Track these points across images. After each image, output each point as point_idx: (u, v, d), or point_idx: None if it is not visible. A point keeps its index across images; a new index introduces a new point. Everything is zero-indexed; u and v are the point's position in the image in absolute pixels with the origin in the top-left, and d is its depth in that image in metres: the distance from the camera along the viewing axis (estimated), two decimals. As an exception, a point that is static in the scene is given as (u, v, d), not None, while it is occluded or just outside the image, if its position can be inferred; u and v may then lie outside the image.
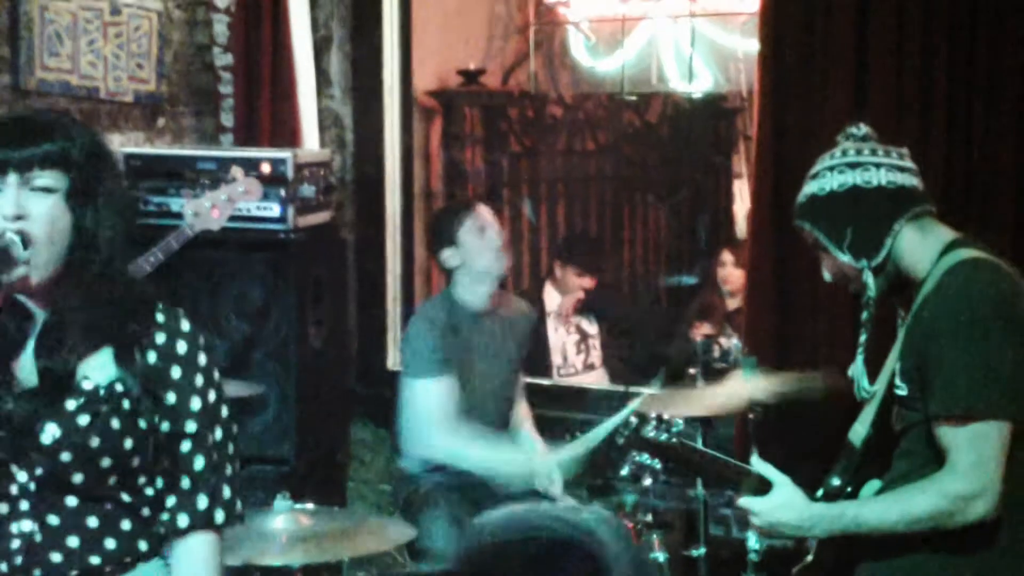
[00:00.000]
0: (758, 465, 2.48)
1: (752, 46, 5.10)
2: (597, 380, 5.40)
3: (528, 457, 3.64)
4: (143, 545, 1.93)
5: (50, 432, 1.82)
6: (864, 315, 2.45)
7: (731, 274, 5.44)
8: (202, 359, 1.94)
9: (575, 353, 5.51)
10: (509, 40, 6.69)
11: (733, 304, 5.38)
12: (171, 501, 1.91)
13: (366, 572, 3.33)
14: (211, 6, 4.75)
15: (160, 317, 1.92)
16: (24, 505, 1.85)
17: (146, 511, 1.92)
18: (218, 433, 1.94)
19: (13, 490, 1.85)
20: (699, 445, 2.57)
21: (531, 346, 4.04)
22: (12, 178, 1.81)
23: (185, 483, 1.90)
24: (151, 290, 1.96)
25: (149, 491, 1.92)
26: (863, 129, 2.52)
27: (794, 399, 3.33)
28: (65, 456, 1.83)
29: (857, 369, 2.51)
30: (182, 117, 4.77)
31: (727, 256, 5.51)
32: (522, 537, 1.04)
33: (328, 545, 2.97)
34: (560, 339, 5.44)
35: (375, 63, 4.85)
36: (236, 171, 3.84)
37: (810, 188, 2.50)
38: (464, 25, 6.31)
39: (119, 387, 1.85)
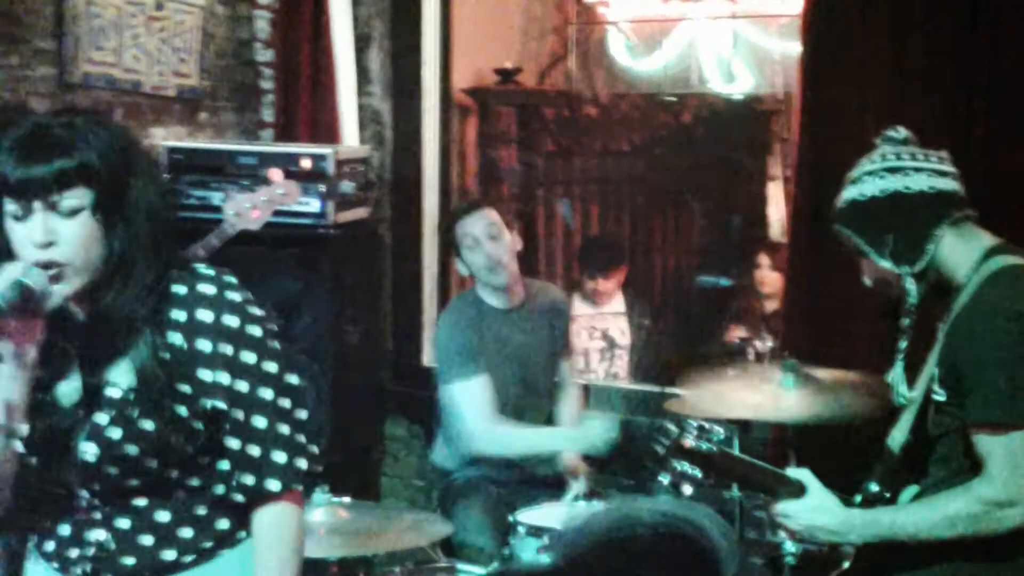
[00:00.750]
0: (794, 471, 2.49)
1: (790, 48, 5.11)
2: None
3: (576, 429, 3.67)
4: (223, 524, 1.92)
5: (89, 450, 1.81)
6: (905, 321, 2.43)
7: (767, 277, 5.43)
8: (231, 321, 1.86)
9: (598, 360, 5.47)
10: (545, 39, 6.70)
11: (769, 307, 5.37)
12: (249, 470, 1.86)
13: (401, 567, 3.33)
14: (253, 2, 4.79)
15: (178, 289, 1.85)
16: (96, 515, 1.85)
17: (220, 488, 1.90)
18: (268, 391, 1.87)
19: (81, 503, 1.85)
20: (737, 452, 2.57)
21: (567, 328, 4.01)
22: (37, 204, 1.75)
23: (255, 450, 1.86)
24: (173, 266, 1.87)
25: (222, 465, 1.89)
26: (902, 132, 2.50)
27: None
28: (111, 470, 1.82)
29: (896, 375, 2.49)
30: (223, 112, 4.80)
31: (763, 259, 5.50)
32: (628, 529, 1.04)
33: (366, 539, 2.99)
34: (582, 344, 5.41)
35: (415, 61, 4.86)
36: (276, 174, 3.83)
37: (850, 193, 2.48)
38: (501, 24, 6.32)
39: (144, 386, 1.81)
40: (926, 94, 3.66)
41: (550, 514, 3.37)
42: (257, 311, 1.90)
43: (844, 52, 3.83)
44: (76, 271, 1.76)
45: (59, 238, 1.75)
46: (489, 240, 3.66)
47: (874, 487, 2.50)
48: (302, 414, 1.92)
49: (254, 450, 1.87)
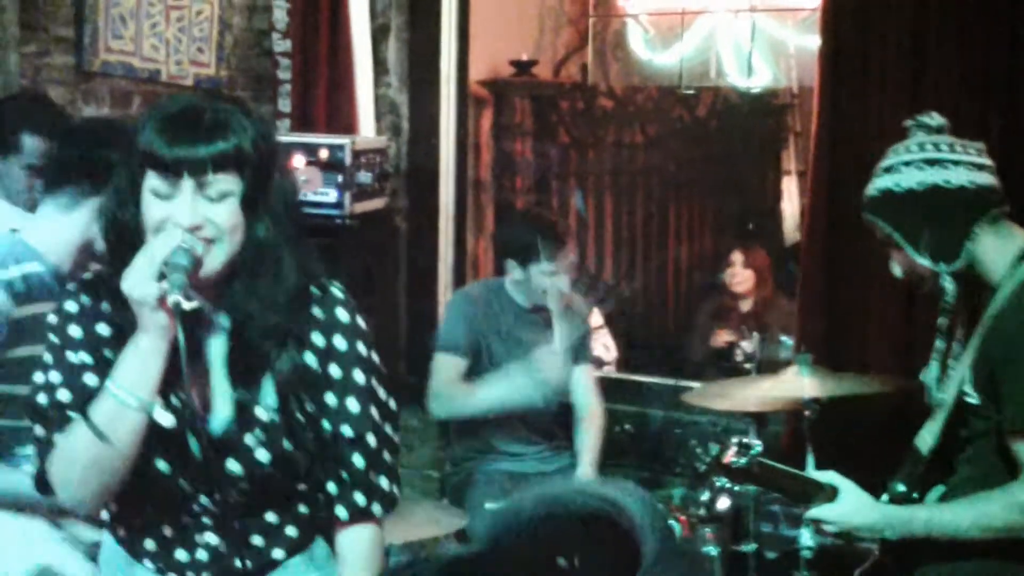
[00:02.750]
0: (824, 474, 2.47)
1: (805, 41, 5.10)
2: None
3: (533, 372, 3.65)
4: (318, 520, 1.92)
5: (231, 467, 1.80)
6: (941, 320, 2.38)
7: (739, 275, 5.27)
8: (360, 349, 1.86)
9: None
10: (561, 31, 6.69)
11: (746, 306, 5.27)
12: (332, 489, 1.87)
13: (411, 556, 3.34)
14: (271, -8, 4.79)
15: (318, 312, 1.83)
16: (208, 520, 1.84)
17: (319, 495, 1.90)
18: (377, 427, 1.88)
19: (196, 508, 1.83)
20: (777, 464, 2.55)
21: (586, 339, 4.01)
22: (187, 183, 1.69)
23: (344, 476, 1.86)
24: (312, 278, 1.83)
25: (331, 485, 1.88)
26: (937, 119, 2.42)
27: (850, 399, 3.31)
28: (244, 486, 1.82)
29: (932, 376, 2.43)
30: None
31: (737, 256, 5.32)
32: (548, 513, 1.06)
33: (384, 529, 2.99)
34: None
35: (432, 52, 4.87)
36: (297, 161, 3.86)
37: (884, 182, 2.39)
38: (517, 15, 6.31)
39: (284, 406, 1.80)
40: (946, 87, 3.65)
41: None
42: (367, 330, 1.91)
43: (863, 46, 3.83)
44: (216, 256, 1.72)
45: (207, 221, 1.69)
46: (565, 272, 3.77)
47: (901, 487, 2.48)
48: (396, 452, 1.94)
49: (367, 473, 1.87)
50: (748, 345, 4.59)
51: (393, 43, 4.87)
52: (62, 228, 2.38)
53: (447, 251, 4.92)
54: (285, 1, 4.78)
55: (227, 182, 1.70)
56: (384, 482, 1.90)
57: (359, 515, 1.89)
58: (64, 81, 4.12)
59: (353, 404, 1.85)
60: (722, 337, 5.11)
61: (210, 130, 1.70)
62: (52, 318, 1.83)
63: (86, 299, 1.81)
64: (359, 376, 1.86)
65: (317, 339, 1.82)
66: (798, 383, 3.37)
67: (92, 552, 2.34)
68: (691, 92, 6.37)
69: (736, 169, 6.85)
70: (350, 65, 4.74)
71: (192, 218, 1.69)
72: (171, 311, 1.67)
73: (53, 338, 1.82)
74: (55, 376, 1.80)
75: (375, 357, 1.90)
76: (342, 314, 1.85)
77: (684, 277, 6.99)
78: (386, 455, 1.90)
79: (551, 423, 3.87)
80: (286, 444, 1.81)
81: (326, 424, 1.84)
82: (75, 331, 1.80)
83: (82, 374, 1.78)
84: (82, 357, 1.78)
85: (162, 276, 1.65)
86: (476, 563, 1.17)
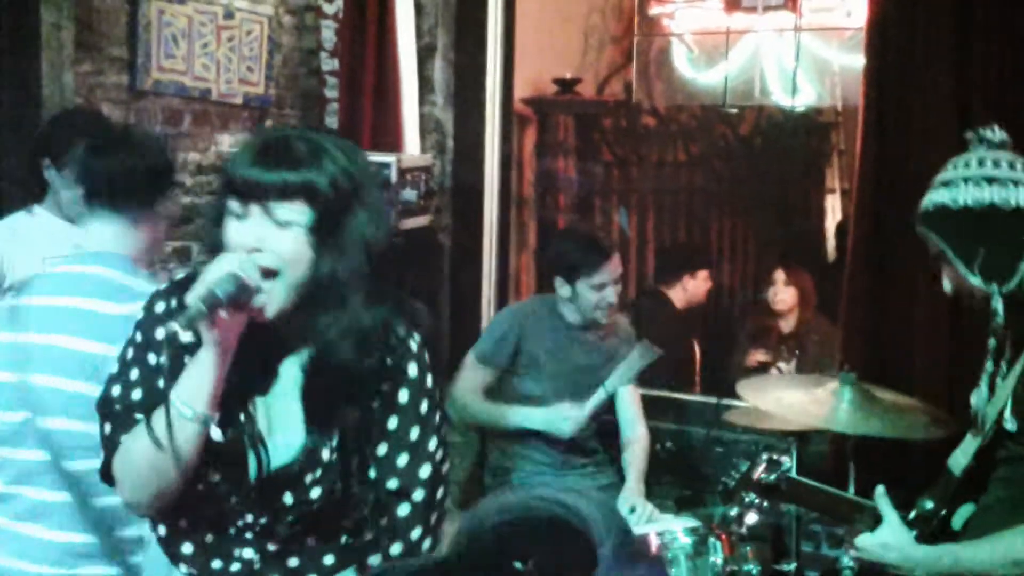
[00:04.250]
0: (878, 497, 2.44)
1: (849, 61, 5.09)
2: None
3: (541, 410, 3.75)
4: (356, 553, 1.93)
5: (284, 498, 1.83)
6: (991, 343, 2.33)
7: (780, 293, 5.22)
8: (423, 407, 1.87)
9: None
10: (605, 50, 6.73)
11: (787, 326, 5.22)
12: (370, 536, 1.89)
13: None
14: (320, 12, 4.85)
15: (389, 360, 1.84)
16: (249, 535, 1.87)
17: (361, 533, 1.92)
18: (423, 485, 1.89)
19: (240, 523, 1.86)
20: (811, 481, 2.54)
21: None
22: (255, 208, 1.75)
23: (384, 525, 1.88)
24: (388, 324, 1.84)
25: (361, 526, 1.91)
26: (999, 134, 2.38)
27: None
28: (292, 517, 1.85)
29: (981, 398, 2.38)
30: (288, 120, 4.87)
31: (779, 274, 5.27)
32: (508, 519, 1.08)
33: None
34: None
35: (477, 71, 4.91)
36: None
37: (940, 196, 2.35)
38: (561, 34, 6.36)
39: (346, 452, 1.83)
40: (991, 105, 3.64)
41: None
42: (434, 388, 1.92)
43: (908, 64, 3.82)
44: (277, 287, 1.75)
45: (266, 246, 1.74)
46: (613, 285, 3.77)
47: (929, 504, 2.47)
48: (446, 491, 1.96)
49: (407, 526, 1.89)
50: (785, 366, 4.57)
51: (439, 62, 4.91)
52: (139, 239, 2.45)
53: (490, 268, 4.95)
54: (333, 21, 4.84)
55: (292, 212, 1.74)
56: (423, 541, 1.91)
57: (411, 549, 1.91)
58: (117, 100, 4.20)
59: (403, 460, 1.88)
60: (758, 357, 5.07)
61: (286, 160, 1.75)
62: (140, 315, 1.89)
63: (175, 302, 1.86)
64: (415, 433, 1.88)
65: (383, 386, 1.85)
66: (838, 403, 3.35)
67: None
68: (735, 111, 6.38)
69: (779, 187, 6.85)
70: (396, 84, 4.79)
71: (253, 241, 1.74)
72: (229, 328, 1.72)
73: (138, 336, 1.87)
74: (133, 373, 1.85)
75: (437, 416, 1.91)
76: (412, 368, 1.87)
77: (726, 295, 6.99)
78: (430, 515, 1.92)
79: (590, 439, 3.89)
80: (339, 485, 1.84)
81: (373, 472, 1.87)
82: (159, 333, 1.84)
83: (158, 377, 1.82)
84: (161, 359, 1.81)
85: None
86: (440, 571, 1.21)
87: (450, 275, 4.91)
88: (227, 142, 4.59)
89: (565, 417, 3.72)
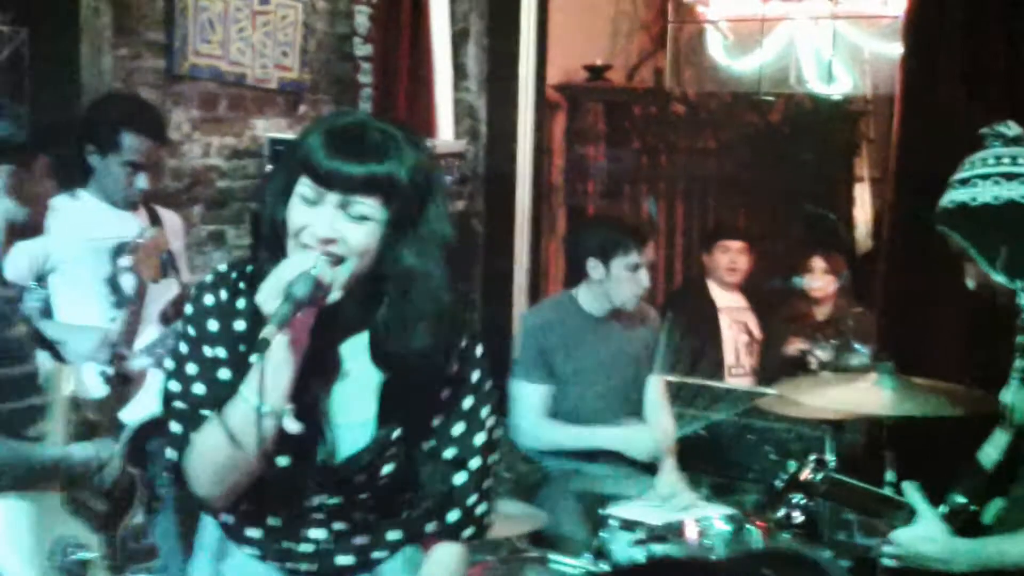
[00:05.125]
0: (909, 494, 2.44)
1: (882, 48, 5.08)
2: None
3: (618, 430, 3.72)
4: (416, 524, 1.97)
5: (355, 476, 1.86)
6: (1020, 339, 2.31)
7: (819, 280, 5.21)
8: (475, 376, 1.91)
9: (745, 355, 5.40)
10: (635, 36, 6.71)
11: (823, 313, 5.22)
12: (428, 504, 1.93)
13: (493, 556, 3.38)
14: (353, -3, 4.87)
15: (463, 343, 1.89)
16: (317, 515, 1.89)
17: (422, 505, 1.96)
18: (479, 454, 1.93)
19: (308, 505, 1.88)
20: (854, 481, 2.55)
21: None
22: (332, 197, 1.73)
23: (442, 494, 1.92)
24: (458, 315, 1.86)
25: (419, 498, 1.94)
26: (1014, 128, 2.36)
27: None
28: (363, 495, 1.88)
29: (1011, 395, 2.37)
30: (322, 105, 4.88)
31: (817, 262, 5.26)
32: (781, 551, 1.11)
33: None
34: (733, 337, 5.35)
35: (511, 57, 4.91)
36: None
37: (959, 195, 2.35)
38: (592, 20, 6.35)
39: (411, 430, 1.86)
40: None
41: (643, 509, 3.40)
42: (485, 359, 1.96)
43: (947, 53, 3.81)
44: (343, 275, 1.75)
45: (341, 238, 1.73)
46: (646, 269, 3.77)
47: (960, 499, 2.45)
48: (494, 478, 1.99)
49: (464, 495, 1.93)
50: (823, 353, 4.56)
51: (472, 48, 4.92)
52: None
53: (523, 254, 4.96)
54: (367, 6, 4.85)
55: (370, 206, 1.73)
56: (478, 507, 1.95)
57: (448, 533, 1.95)
58: (154, 84, 4.21)
59: (459, 429, 1.91)
60: (796, 344, 5.07)
61: (368, 151, 1.73)
62: (188, 309, 1.86)
63: (224, 294, 1.84)
64: (468, 403, 1.92)
65: (437, 360, 1.86)
66: (877, 392, 3.35)
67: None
68: (767, 99, 6.35)
69: (808, 175, 6.82)
70: (430, 70, 4.80)
71: (328, 231, 1.73)
72: (302, 325, 1.72)
73: (190, 330, 1.85)
74: (191, 368, 1.83)
75: (488, 385, 1.94)
76: (462, 340, 1.89)
77: (755, 283, 6.96)
78: (484, 482, 1.95)
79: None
80: (405, 461, 1.87)
81: (431, 443, 1.90)
82: (212, 325, 1.83)
83: (217, 369, 1.82)
84: (218, 352, 1.81)
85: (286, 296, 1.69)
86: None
87: (482, 261, 4.92)
88: (261, 127, 4.60)
89: (646, 443, 3.69)
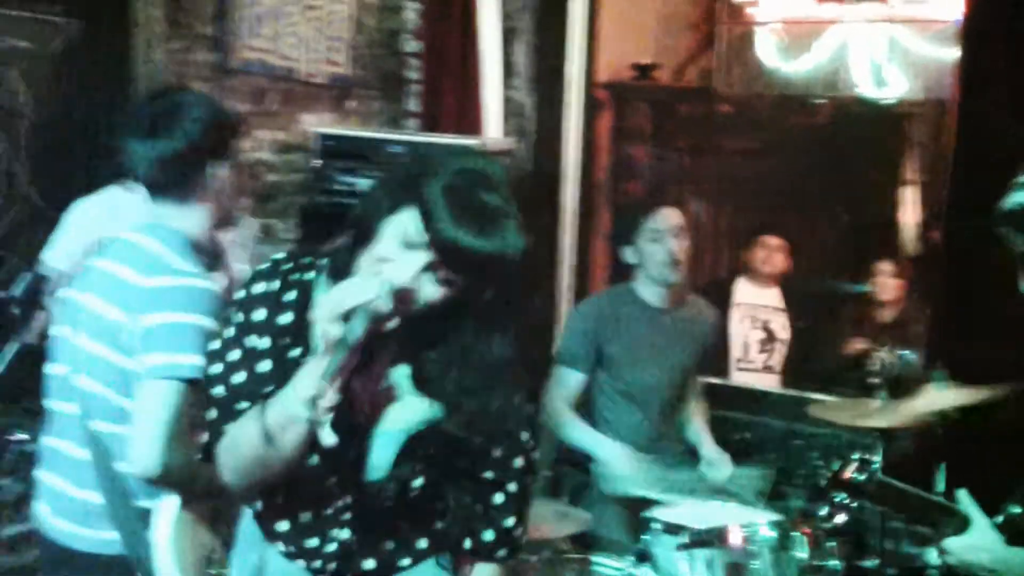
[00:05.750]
0: (961, 502, 2.43)
1: (934, 52, 5.03)
2: (770, 384, 5.30)
3: (614, 446, 3.67)
4: (449, 538, 1.97)
5: (386, 484, 1.85)
6: None
7: (888, 285, 5.24)
8: (516, 399, 1.89)
9: (757, 351, 5.43)
10: (683, 36, 6.68)
11: (888, 316, 5.21)
12: (463, 523, 1.94)
13: (536, 557, 3.37)
14: (403, -7, 4.87)
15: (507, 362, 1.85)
16: (346, 516, 1.88)
17: (448, 525, 1.96)
18: (517, 476, 1.94)
19: (338, 504, 1.88)
20: (900, 483, 2.52)
21: (711, 347, 4.00)
22: (427, 257, 1.68)
23: (478, 513, 1.93)
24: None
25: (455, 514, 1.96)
26: None
27: (981, 418, 3.24)
28: (390, 502, 1.87)
29: None
30: (370, 100, 4.88)
31: (885, 266, 5.30)
32: None
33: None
34: (743, 332, 5.37)
35: (559, 55, 4.90)
36: None
37: (1020, 197, 2.34)
38: (640, 19, 6.32)
39: (451, 446, 1.85)
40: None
41: (687, 512, 3.38)
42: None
43: (1004, 57, 3.76)
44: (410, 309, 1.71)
45: (418, 293, 1.70)
46: (674, 238, 3.73)
47: (1016, 509, 2.42)
48: (530, 500, 2.00)
49: (500, 514, 1.94)
50: (885, 356, 4.51)
51: (521, 46, 4.91)
52: (194, 215, 2.43)
53: (569, 252, 4.94)
54: (417, 3, 4.85)
55: (459, 279, 1.70)
56: (514, 528, 1.95)
57: (483, 552, 1.96)
58: (205, 77, 4.24)
59: (498, 452, 1.91)
60: (857, 345, 5.05)
61: (487, 224, 1.66)
62: (240, 294, 1.86)
63: (275, 284, 1.83)
64: (525, 434, 1.93)
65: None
66: (930, 400, 3.31)
67: None
68: (814, 101, 6.31)
69: (855, 178, 6.76)
70: (478, 67, 4.79)
71: (410, 283, 1.69)
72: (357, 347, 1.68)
73: (238, 316, 1.83)
74: (234, 354, 1.83)
75: (528, 409, 1.95)
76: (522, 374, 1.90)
77: (801, 287, 6.90)
78: (522, 504, 1.95)
79: (665, 431, 3.87)
80: (438, 475, 1.88)
81: (466, 463, 1.90)
82: (259, 314, 1.82)
83: (259, 360, 1.81)
84: (262, 342, 1.81)
85: (345, 318, 1.66)
86: None
87: (528, 259, 4.90)
88: (310, 121, 4.61)
89: (621, 468, 3.62)
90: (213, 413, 1.84)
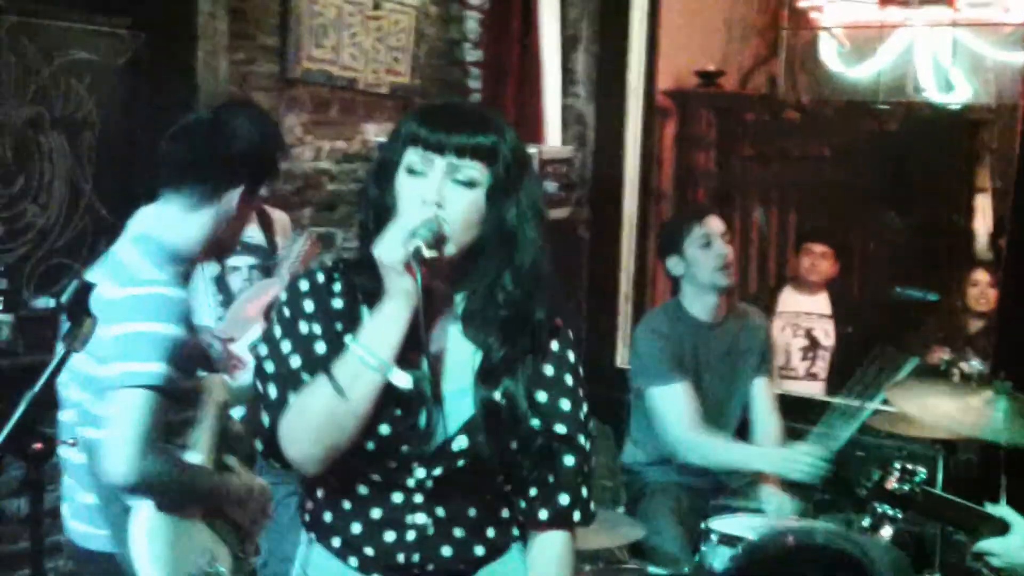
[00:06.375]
0: (997, 508, 2.41)
1: (1006, 57, 4.92)
2: (815, 392, 5.25)
3: (782, 451, 3.62)
4: (516, 531, 1.97)
5: (457, 443, 1.85)
6: None
7: (985, 294, 5.23)
8: (570, 355, 1.95)
9: (799, 358, 5.40)
10: (748, 42, 6.63)
11: (976, 326, 5.17)
12: (534, 492, 1.92)
13: (591, 566, 3.36)
14: (464, 3, 4.88)
15: (558, 320, 1.94)
16: (418, 498, 1.88)
17: (521, 501, 1.95)
18: (585, 432, 1.94)
19: (410, 483, 1.87)
20: (939, 490, 2.49)
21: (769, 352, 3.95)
22: (440, 163, 1.79)
23: (550, 479, 1.91)
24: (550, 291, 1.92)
25: (526, 485, 1.94)
26: None
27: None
28: (462, 462, 1.86)
29: None
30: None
31: (981, 275, 5.30)
32: (797, 544, 1.08)
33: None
34: (785, 339, 5.34)
35: (620, 63, 4.89)
36: None
37: None
38: (704, 26, 6.28)
39: (516, 399, 1.87)
40: None
41: (744, 523, 3.34)
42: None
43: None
44: (455, 242, 1.80)
45: (447, 203, 1.78)
46: (719, 239, 3.73)
47: None
48: (594, 466, 1.99)
49: (575, 475, 1.93)
50: (967, 366, 4.43)
51: (582, 54, 4.91)
52: (190, 227, 2.45)
53: (628, 262, 4.93)
54: (477, 12, 4.87)
55: (476, 170, 1.80)
56: (586, 492, 1.95)
57: (559, 519, 1.93)
58: (268, 88, 4.29)
59: (566, 404, 1.92)
60: (939, 354, 4.97)
61: (471, 123, 1.82)
62: (284, 295, 1.90)
63: (320, 277, 1.89)
64: (570, 379, 1.94)
65: (554, 346, 1.92)
66: (991, 411, 3.24)
67: None
68: (886, 107, 6.22)
69: (927, 185, 6.65)
70: (539, 75, 4.80)
71: (435, 195, 1.78)
72: (414, 272, 1.74)
73: (284, 311, 1.87)
74: (286, 345, 1.85)
75: (580, 370, 1.97)
76: (556, 319, 1.95)
77: (870, 294, 6.81)
78: (588, 465, 1.94)
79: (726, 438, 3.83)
80: (507, 432, 1.87)
81: (536, 421, 1.89)
82: (307, 304, 1.86)
83: (313, 343, 1.84)
84: (313, 328, 1.84)
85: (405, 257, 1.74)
86: None
87: (588, 269, 4.90)
88: (372, 131, 4.65)
89: (801, 460, 3.52)
90: (273, 391, 1.84)
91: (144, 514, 2.32)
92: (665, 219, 4.93)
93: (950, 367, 4.64)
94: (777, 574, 1.11)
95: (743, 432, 3.85)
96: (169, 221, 2.43)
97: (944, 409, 3.39)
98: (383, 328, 1.77)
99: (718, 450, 3.63)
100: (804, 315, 5.38)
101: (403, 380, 1.77)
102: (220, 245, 2.54)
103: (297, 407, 1.81)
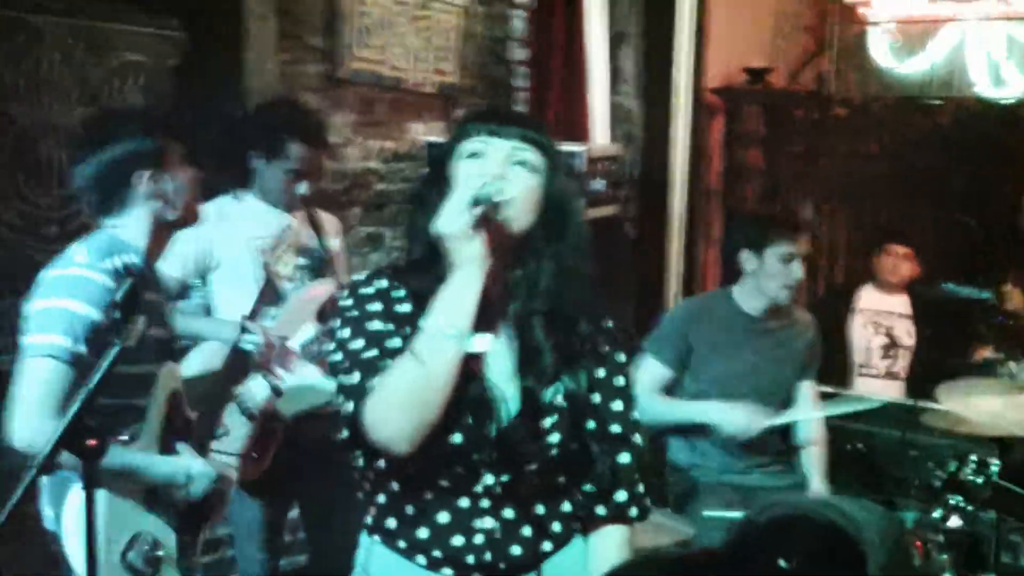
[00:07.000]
0: None
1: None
2: (894, 392, 5.18)
3: (716, 405, 3.63)
4: (577, 524, 2.00)
5: (526, 447, 1.89)
6: None
7: None
8: (621, 357, 2.00)
9: (879, 357, 5.34)
10: (797, 39, 6.58)
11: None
12: (591, 489, 1.97)
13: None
14: (510, 2, 4.88)
15: (609, 322, 1.99)
16: (485, 503, 1.90)
17: (579, 498, 1.99)
18: (639, 431, 2.00)
19: (478, 489, 1.90)
20: (1018, 488, 2.45)
21: (816, 363, 3.92)
22: (504, 145, 1.87)
23: (608, 476, 1.96)
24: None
25: (584, 482, 1.98)
26: None
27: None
28: (531, 467, 1.90)
29: None
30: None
31: None
32: (784, 518, 1.10)
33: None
34: (866, 337, 5.29)
35: (667, 61, 4.87)
36: None
37: None
38: (752, 23, 6.24)
39: (576, 400, 1.92)
40: None
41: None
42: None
43: None
44: (514, 222, 1.85)
45: (509, 179, 1.84)
46: (800, 260, 3.71)
47: None
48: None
49: (631, 472, 1.99)
50: (1015, 366, 4.38)
51: (629, 51, 4.89)
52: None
53: (676, 259, 4.91)
54: (523, 10, 4.87)
55: (532, 154, 1.87)
56: (641, 487, 2.00)
57: (617, 514, 1.98)
58: (315, 88, 4.31)
59: (619, 405, 1.98)
60: (983, 354, 4.91)
61: (527, 120, 1.99)
62: (347, 301, 1.92)
63: (381, 283, 1.92)
64: (621, 380, 1.99)
65: (589, 336, 1.95)
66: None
67: None
68: (938, 103, 6.14)
69: (979, 182, 6.56)
70: (585, 73, 4.79)
71: (498, 168, 1.84)
72: (480, 234, 1.78)
73: (352, 313, 1.90)
74: (357, 343, 1.87)
75: (631, 368, 2.02)
76: (607, 322, 1.99)
77: (920, 293, 6.72)
78: (641, 466, 1.99)
79: (769, 438, 3.81)
80: (572, 432, 1.92)
81: (591, 423, 1.95)
82: (375, 306, 1.89)
83: (385, 339, 1.86)
84: (384, 326, 1.87)
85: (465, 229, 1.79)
86: (708, 557, 1.22)
87: (635, 266, 4.89)
88: (419, 130, 4.66)
89: (742, 420, 3.59)
90: (356, 377, 1.84)
91: (76, 494, 2.35)
92: (740, 212, 4.84)
93: (996, 366, 4.61)
94: (769, 547, 1.12)
95: (784, 434, 3.83)
96: (120, 221, 2.54)
97: (992, 407, 3.35)
98: (457, 296, 1.80)
99: (656, 406, 3.69)
100: (884, 313, 5.32)
101: (483, 344, 1.82)
102: (177, 222, 2.62)
103: (382, 388, 1.81)
